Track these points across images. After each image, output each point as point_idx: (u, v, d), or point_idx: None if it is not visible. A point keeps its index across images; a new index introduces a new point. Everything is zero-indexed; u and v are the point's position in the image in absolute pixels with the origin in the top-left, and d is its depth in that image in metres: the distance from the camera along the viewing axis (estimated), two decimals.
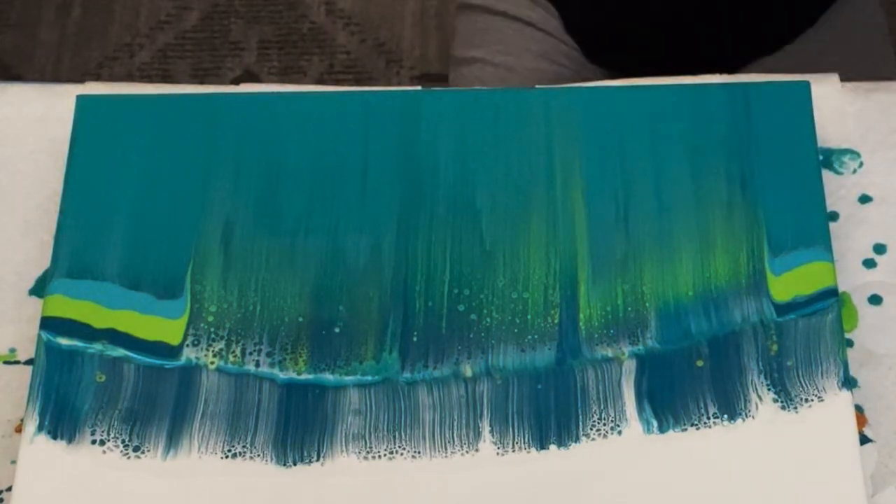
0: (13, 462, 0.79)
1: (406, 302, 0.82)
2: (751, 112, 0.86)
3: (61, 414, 0.78)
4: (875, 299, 0.84)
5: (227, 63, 1.83)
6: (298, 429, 0.78)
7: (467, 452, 0.77)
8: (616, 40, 1.07)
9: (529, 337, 0.80)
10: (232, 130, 0.87)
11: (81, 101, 0.88)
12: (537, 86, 0.92)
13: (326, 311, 0.82)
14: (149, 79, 1.82)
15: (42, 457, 0.77)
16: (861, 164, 0.88)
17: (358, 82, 1.81)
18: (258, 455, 0.77)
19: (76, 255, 0.83)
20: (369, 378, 0.80)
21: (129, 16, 1.87)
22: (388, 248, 0.83)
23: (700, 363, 0.79)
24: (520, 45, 1.09)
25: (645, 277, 0.82)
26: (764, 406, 0.78)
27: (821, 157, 0.86)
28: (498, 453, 0.77)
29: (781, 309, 0.80)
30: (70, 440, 0.78)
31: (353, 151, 0.87)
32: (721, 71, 0.90)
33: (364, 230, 0.84)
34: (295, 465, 0.77)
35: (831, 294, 0.81)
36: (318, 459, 0.77)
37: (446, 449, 0.77)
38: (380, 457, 0.77)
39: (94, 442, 0.78)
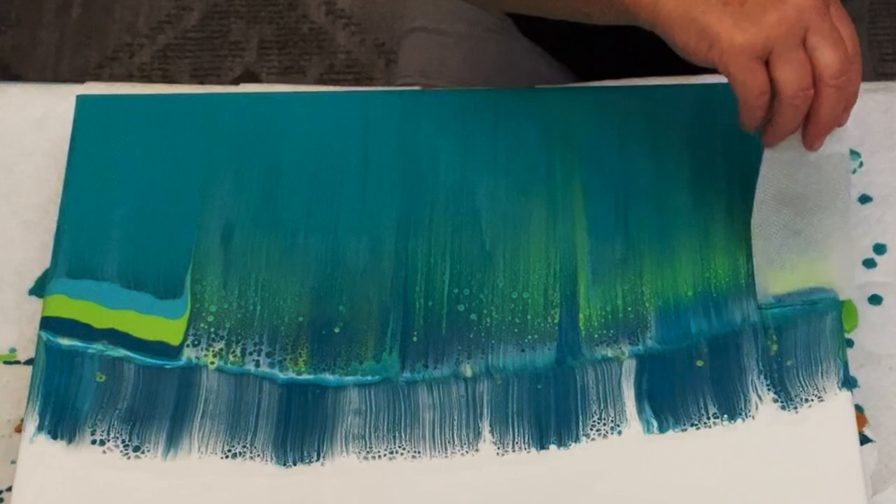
0: (13, 462, 0.79)
1: (406, 302, 0.82)
2: None
3: (61, 414, 0.78)
4: (875, 299, 0.84)
5: (227, 63, 1.83)
6: (298, 429, 0.78)
7: (467, 452, 0.77)
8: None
9: (529, 337, 0.80)
10: (232, 130, 0.87)
11: (81, 101, 0.88)
12: (538, 86, 0.92)
13: (326, 311, 0.82)
14: (149, 79, 1.82)
15: (42, 457, 0.77)
16: (861, 164, 0.88)
17: (358, 82, 1.81)
18: (258, 455, 0.77)
19: (76, 255, 0.83)
20: (369, 378, 0.79)
21: (129, 16, 1.87)
22: (388, 248, 0.83)
23: (700, 363, 0.79)
24: (454, 13, 1.11)
25: (645, 277, 0.82)
26: (764, 406, 0.78)
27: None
28: (498, 453, 0.77)
29: (780, 299, 0.81)
30: (70, 440, 0.78)
31: (353, 151, 0.87)
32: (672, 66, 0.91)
33: (364, 230, 0.84)
34: (295, 465, 0.77)
35: (828, 290, 0.81)
36: (318, 459, 0.77)
37: (446, 449, 0.77)
38: (380, 457, 0.77)
39: (94, 442, 0.78)
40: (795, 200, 0.79)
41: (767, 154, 0.77)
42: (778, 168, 0.77)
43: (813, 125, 0.74)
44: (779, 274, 0.81)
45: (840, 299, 0.81)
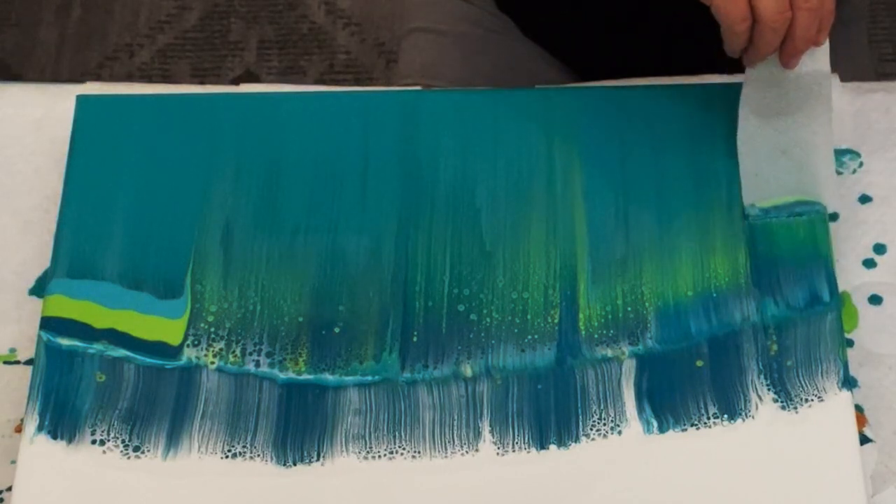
0: (13, 462, 0.79)
1: (406, 302, 0.82)
2: None
3: (61, 414, 0.78)
4: (875, 299, 0.84)
5: (227, 63, 1.83)
6: (298, 429, 0.78)
7: (467, 452, 0.77)
8: (553, 21, 1.08)
9: (529, 337, 0.80)
10: (232, 130, 0.87)
11: (81, 101, 0.88)
12: (538, 86, 0.92)
13: (326, 311, 0.82)
14: (149, 79, 1.82)
15: (42, 457, 0.77)
16: (861, 164, 0.88)
17: (358, 82, 1.81)
18: (258, 455, 0.77)
19: (76, 255, 0.83)
20: (369, 378, 0.79)
21: (129, 16, 1.87)
22: (388, 248, 0.83)
23: (700, 363, 0.79)
24: (454, 14, 1.11)
25: (644, 277, 0.82)
26: (764, 406, 0.78)
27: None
28: (498, 453, 0.77)
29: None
30: (70, 440, 0.78)
31: (353, 151, 0.87)
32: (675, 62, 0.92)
33: (364, 230, 0.84)
34: (295, 465, 0.77)
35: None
36: (318, 459, 0.77)
37: (446, 449, 0.77)
38: (380, 457, 0.77)
39: (94, 442, 0.78)
40: (778, 118, 0.83)
41: (748, 72, 0.81)
42: (759, 85, 0.82)
43: (788, 44, 0.78)
44: (766, 189, 0.83)
45: (827, 212, 0.83)
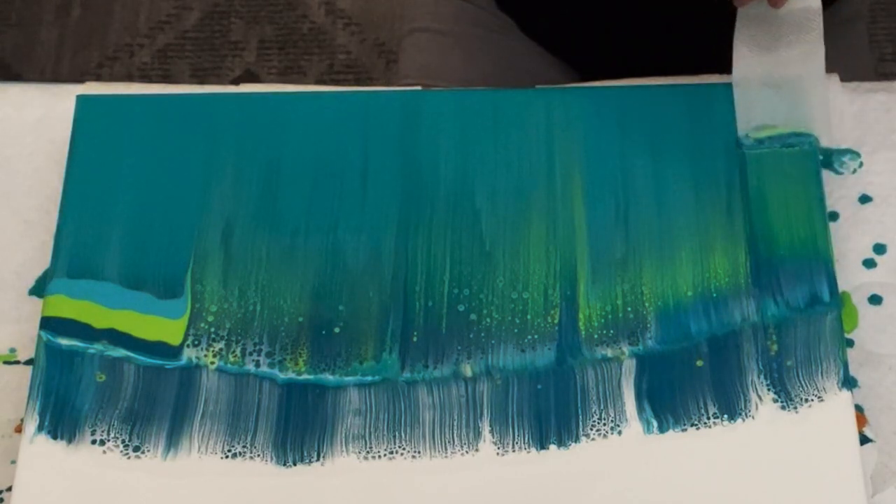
0: (13, 462, 0.79)
1: (406, 302, 0.82)
2: None
3: (61, 414, 0.78)
4: (875, 299, 0.84)
5: (227, 63, 1.83)
6: (298, 429, 0.78)
7: (467, 452, 0.77)
8: (550, 17, 1.08)
9: (529, 337, 0.80)
10: (232, 130, 0.87)
11: (81, 101, 0.88)
12: (538, 86, 0.92)
13: (326, 311, 0.82)
14: (149, 79, 1.82)
15: (42, 457, 0.77)
16: (861, 164, 0.88)
17: (358, 82, 1.81)
18: (258, 455, 0.77)
19: (76, 255, 0.83)
20: (369, 378, 0.80)
21: (129, 16, 1.87)
22: (388, 248, 0.83)
23: (700, 363, 0.79)
24: (454, 14, 1.11)
25: (644, 277, 0.82)
26: (764, 406, 0.78)
27: (821, 157, 0.86)
28: (498, 453, 0.77)
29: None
30: (70, 440, 0.78)
31: (353, 151, 0.87)
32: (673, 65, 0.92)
33: (364, 230, 0.84)
34: (295, 465, 0.77)
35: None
36: (318, 459, 0.77)
37: (446, 449, 0.77)
38: (380, 457, 0.77)
39: (94, 442, 0.78)
40: (771, 54, 0.85)
41: (740, 12, 0.85)
42: (750, 23, 0.85)
43: None
44: (759, 120, 0.86)
45: (821, 144, 0.85)
